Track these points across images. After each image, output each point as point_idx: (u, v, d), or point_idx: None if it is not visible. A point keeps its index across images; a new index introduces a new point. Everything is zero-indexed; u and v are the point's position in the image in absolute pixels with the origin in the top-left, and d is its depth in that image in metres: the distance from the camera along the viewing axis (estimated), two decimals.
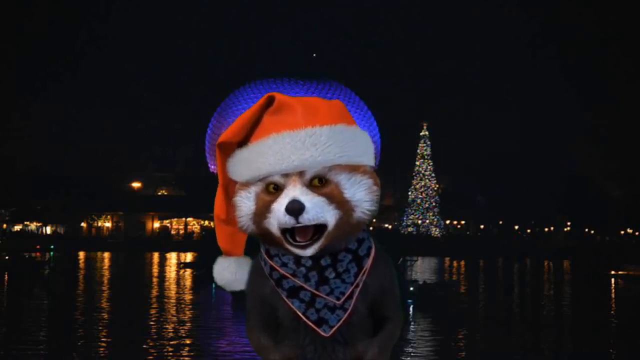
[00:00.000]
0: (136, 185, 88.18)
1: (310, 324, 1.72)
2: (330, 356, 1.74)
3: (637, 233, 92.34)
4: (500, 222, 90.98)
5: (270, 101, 1.74)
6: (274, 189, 1.68)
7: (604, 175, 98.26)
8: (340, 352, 1.74)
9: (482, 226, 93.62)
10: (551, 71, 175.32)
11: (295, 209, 1.61)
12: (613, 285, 34.70)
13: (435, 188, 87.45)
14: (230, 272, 1.91)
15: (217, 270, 1.93)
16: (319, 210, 1.63)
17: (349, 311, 1.72)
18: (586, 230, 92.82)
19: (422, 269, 38.94)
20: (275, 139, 1.68)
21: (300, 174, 1.66)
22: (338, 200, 1.66)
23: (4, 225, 75.65)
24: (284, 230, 1.65)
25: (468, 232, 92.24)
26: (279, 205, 1.64)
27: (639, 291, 30.73)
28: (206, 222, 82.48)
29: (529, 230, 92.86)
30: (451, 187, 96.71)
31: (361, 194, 1.69)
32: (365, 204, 1.69)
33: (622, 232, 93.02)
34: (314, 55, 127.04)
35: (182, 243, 67.22)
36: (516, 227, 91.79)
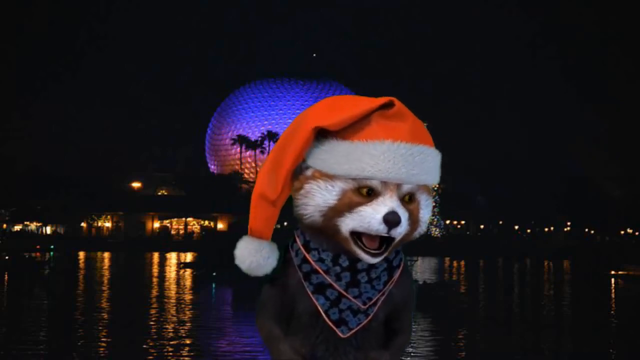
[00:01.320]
0: (136, 185, 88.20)
1: (329, 322, 1.72)
2: (341, 357, 1.74)
3: (637, 233, 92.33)
4: (500, 222, 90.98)
5: (388, 104, 1.70)
6: (368, 193, 1.65)
7: (604, 175, 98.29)
8: (352, 355, 1.74)
9: (482, 226, 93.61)
10: (551, 71, 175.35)
11: (394, 221, 1.61)
12: (613, 285, 34.70)
13: (435, 188, 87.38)
14: (263, 257, 1.78)
15: (245, 252, 1.78)
16: (407, 226, 1.65)
17: (370, 317, 1.74)
18: (586, 230, 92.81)
19: (422, 269, 38.95)
20: (390, 146, 1.65)
21: (398, 186, 1.66)
22: (414, 219, 1.69)
23: (4, 225, 75.65)
24: (354, 233, 1.64)
25: (468, 232, 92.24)
26: (374, 212, 1.62)
27: (639, 291, 30.73)
28: (206, 222, 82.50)
29: (529, 230, 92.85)
30: (451, 187, 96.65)
31: (427, 216, 1.74)
32: (424, 225, 1.74)
33: (622, 232, 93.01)
34: (314, 55, 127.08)
35: (182, 243, 67.21)
36: (516, 227, 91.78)
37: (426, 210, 1.73)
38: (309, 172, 1.69)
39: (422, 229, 1.73)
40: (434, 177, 1.73)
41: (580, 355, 15.54)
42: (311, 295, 1.73)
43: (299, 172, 1.71)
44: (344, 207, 1.64)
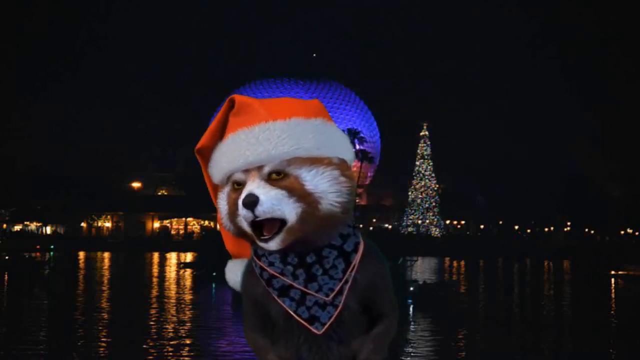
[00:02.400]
0: (136, 185, 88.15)
1: (302, 322, 1.72)
2: (326, 354, 1.74)
3: (637, 233, 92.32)
4: (500, 222, 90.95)
5: (232, 104, 1.79)
6: (237, 186, 1.71)
7: (604, 175, 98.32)
8: (335, 349, 1.74)
9: (482, 226, 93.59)
10: (551, 71, 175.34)
11: (249, 202, 1.63)
12: (613, 285, 34.69)
13: (435, 188, 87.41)
14: (236, 274, 1.94)
15: (227, 272, 1.99)
16: (275, 202, 1.63)
17: (339, 307, 1.72)
18: (586, 230, 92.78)
19: (422, 269, 38.93)
20: (232, 137, 1.74)
21: (259, 169, 1.68)
22: (299, 194, 1.65)
23: (4, 225, 75.64)
24: (255, 227, 1.67)
25: (468, 232, 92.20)
26: (240, 201, 1.67)
27: (639, 291, 30.72)
28: (206, 222, 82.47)
29: (529, 230, 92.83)
30: (451, 187, 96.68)
31: (324, 186, 1.66)
32: (331, 195, 1.67)
33: (622, 232, 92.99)
34: (314, 55, 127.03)
35: (182, 243, 67.20)
36: (516, 227, 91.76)
37: (317, 180, 1.66)
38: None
39: (329, 199, 1.66)
40: (296, 146, 1.68)
41: (580, 355, 15.53)
42: (278, 299, 1.74)
43: None
44: (232, 207, 1.72)
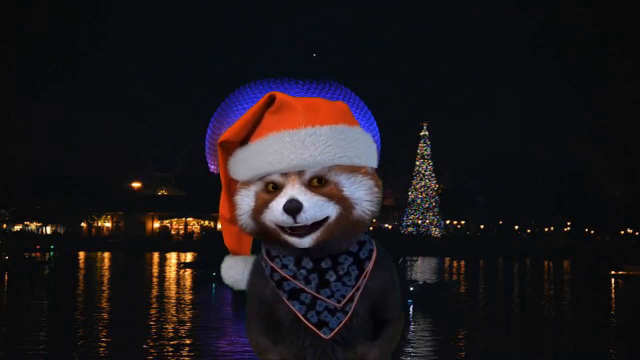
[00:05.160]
0: (136, 185, 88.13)
1: (310, 326, 1.71)
2: (330, 358, 1.73)
3: (637, 233, 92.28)
4: (500, 222, 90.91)
5: (271, 100, 1.73)
6: (273, 188, 1.67)
7: (604, 175, 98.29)
8: (340, 354, 1.73)
9: (482, 226, 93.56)
10: (551, 71, 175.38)
11: (293, 208, 1.61)
12: (613, 285, 34.69)
13: (435, 188, 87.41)
14: (237, 271, 1.90)
15: (224, 269, 1.93)
16: (317, 209, 1.62)
17: (349, 314, 1.72)
18: (586, 230, 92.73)
19: (422, 269, 38.94)
20: (274, 137, 1.68)
21: (300, 173, 1.65)
22: (337, 198, 1.65)
23: (4, 225, 75.62)
24: (281, 227, 1.66)
25: (468, 232, 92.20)
26: (277, 204, 1.64)
27: (639, 291, 30.72)
28: (206, 222, 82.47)
29: (529, 230, 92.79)
30: (451, 187, 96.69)
31: (361, 193, 1.68)
32: (366, 203, 1.68)
33: (622, 232, 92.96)
34: (314, 55, 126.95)
35: (182, 243, 67.19)
36: (516, 227, 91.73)
37: (354, 188, 1.67)
38: (237, 186, 1.77)
39: (363, 207, 1.68)
40: (341, 154, 1.68)
41: (580, 355, 15.54)
42: (287, 302, 1.73)
43: (234, 190, 1.79)
44: (261, 207, 1.68)
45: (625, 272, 37.82)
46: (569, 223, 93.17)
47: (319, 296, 1.71)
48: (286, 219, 1.62)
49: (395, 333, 1.81)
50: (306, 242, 1.65)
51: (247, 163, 1.72)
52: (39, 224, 78.90)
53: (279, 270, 1.74)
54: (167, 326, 17.91)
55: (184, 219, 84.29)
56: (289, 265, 1.73)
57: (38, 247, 53.03)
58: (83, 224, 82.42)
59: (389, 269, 1.81)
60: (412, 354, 14.54)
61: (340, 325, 1.71)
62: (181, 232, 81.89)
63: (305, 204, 1.61)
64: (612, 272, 38.29)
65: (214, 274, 30.06)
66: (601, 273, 39.32)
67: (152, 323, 18.52)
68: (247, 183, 1.73)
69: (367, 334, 1.77)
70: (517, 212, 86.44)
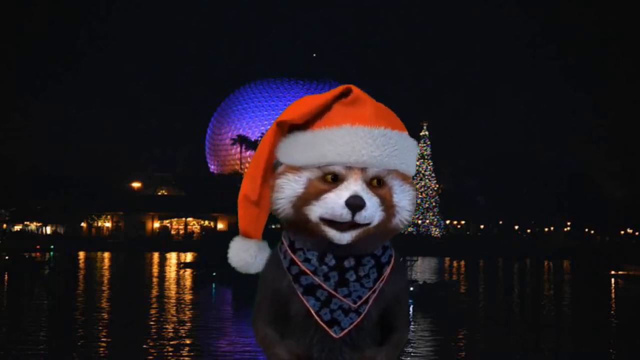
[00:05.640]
0: (136, 185, 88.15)
1: (322, 323, 1.71)
2: (337, 357, 1.73)
3: (637, 233, 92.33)
4: (500, 222, 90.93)
5: (346, 92, 1.73)
6: (332, 180, 1.65)
7: (604, 175, 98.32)
8: (347, 354, 1.73)
9: (482, 226, 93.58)
10: (551, 71, 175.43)
11: (356, 204, 1.59)
12: (613, 285, 34.70)
13: (435, 188, 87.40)
14: (251, 255, 1.85)
15: (235, 250, 1.86)
16: (374, 210, 1.63)
17: (362, 315, 1.72)
18: (586, 230, 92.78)
19: (422, 269, 38.97)
20: (348, 130, 1.66)
21: (363, 170, 1.65)
22: (388, 204, 1.66)
23: (4, 225, 75.64)
24: (323, 219, 1.64)
25: (468, 232, 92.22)
26: (337, 197, 1.62)
27: (639, 291, 30.73)
28: (206, 222, 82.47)
29: (529, 230, 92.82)
30: (451, 187, 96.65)
31: (405, 202, 1.70)
32: (406, 213, 1.71)
33: (622, 232, 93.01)
34: (314, 55, 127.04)
35: (182, 243, 67.20)
36: (516, 227, 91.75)
37: (402, 196, 1.70)
38: (280, 169, 1.71)
39: (403, 216, 1.70)
40: (401, 160, 1.70)
41: (580, 355, 15.54)
42: (301, 297, 1.71)
43: (273, 170, 1.74)
44: (310, 195, 1.64)
45: (625, 272, 37.84)
46: (569, 223, 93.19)
47: (336, 294, 1.70)
48: (345, 214, 1.60)
49: (402, 340, 1.82)
50: (346, 237, 1.64)
51: (309, 149, 1.68)
52: (39, 224, 78.92)
53: (299, 263, 1.73)
54: (167, 326, 17.91)
55: (184, 219, 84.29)
56: (312, 260, 1.72)
57: (38, 247, 53.04)
58: (83, 224, 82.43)
59: (404, 276, 1.83)
60: (412, 354, 14.54)
61: (351, 326, 1.71)
62: (181, 232, 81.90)
63: (368, 203, 1.61)
64: (612, 272, 38.31)
65: (214, 274, 30.11)
66: (601, 273, 39.34)
67: (152, 323, 18.52)
68: (298, 168, 1.68)
69: (374, 337, 1.77)
70: (517, 212, 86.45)
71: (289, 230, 1.75)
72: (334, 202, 1.61)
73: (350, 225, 1.62)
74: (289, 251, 1.75)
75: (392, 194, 1.68)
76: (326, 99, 1.71)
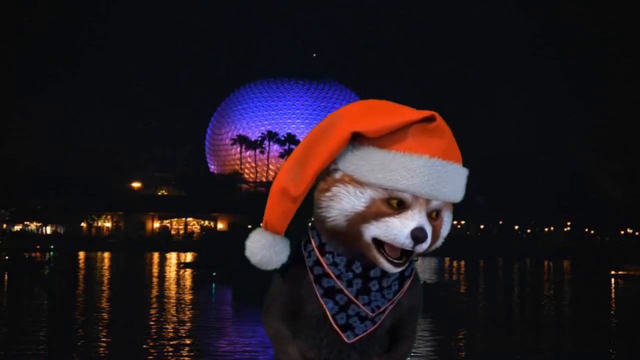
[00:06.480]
0: (136, 185, 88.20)
1: (336, 327, 1.71)
2: None
3: (637, 233, 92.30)
4: (500, 222, 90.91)
5: (429, 118, 1.68)
6: (398, 205, 1.62)
7: (604, 175, 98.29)
8: (355, 359, 1.75)
9: (482, 226, 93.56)
10: (551, 71, 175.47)
11: (421, 237, 1.59)
12: (613, 285, 34.70)
13: None
14: (276, 251, 1.75)
15: (259, 245, 1.75)
16: (430, 242, 1.63)
17: (377, 325, 1.73)
18: (586, 230, 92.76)
19: (422, 269, 38.95)
20: (427, 161, 1.63)
21: (427, 201, 1.64)
22: (436, 235, 1.68)
23: (4, 225, 75.66)
24: (376, 240, 1.62)
25: (468, 232, 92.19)
26: (402, 225, 1.60)
27: (639, 291, 30.73)
28: (206, 222, 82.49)
29: (529, 230, 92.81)
30: None
31: (447, 232, 1.73)
32: (442, 240, 1.73)
33: (622, 232, 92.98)
34: (314, 55, 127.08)
35: (182, 243, 67.21)
36: (516, 227, 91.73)
37: (447, 227, 1.71)
38: (337, 175, 1.66)
39: (438, 244, 1.72)
40: (461, 195, 1.72)
41: (580, 355, 15.55)
42: (320, 299, 1.71)
43: (326, 174, 1.68)
44: (371, 215, 1.61)
45: (625, 272, 37.83)
46: (569, 223, 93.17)
47: (356, 301, 1.71)
48: (408, 244, 1.60)
49: (408, 351, 1.84)
50: (397, 270, 1.66)
51: (383, 170, 1.62)
52: (39, 224, 78.93)
53: (325, 265, 1.71)
54: (167, 326, 17.91)
55: (184, 219, 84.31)
56: (340, 265, 1.71)
57: (38, 247, 53.06)
58: (83, 224, 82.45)
59: (420, 290, 1.84)
60: (412, 354, 14.55)
61: (364, 333, 1.72)
62: (181, 232, 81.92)
63: (428, 236, 1.61)
64: (612, 272, 38.30)
65: (214, 274, 30.11)
66: (601, 273, 39.33)
67: (152, 323, 18.52)
68: (362, 183, 1.63)
69: (382, 345, 1.79)
70: (517, 212, 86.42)
71: (325, 233, 1.72)
72: (398, 230, 1.59)
73: (403, 251, 1.63)
74: (317, 252, 1.73)
75: (442, 225, 1.70)
76: (408, 120, 1.66)
